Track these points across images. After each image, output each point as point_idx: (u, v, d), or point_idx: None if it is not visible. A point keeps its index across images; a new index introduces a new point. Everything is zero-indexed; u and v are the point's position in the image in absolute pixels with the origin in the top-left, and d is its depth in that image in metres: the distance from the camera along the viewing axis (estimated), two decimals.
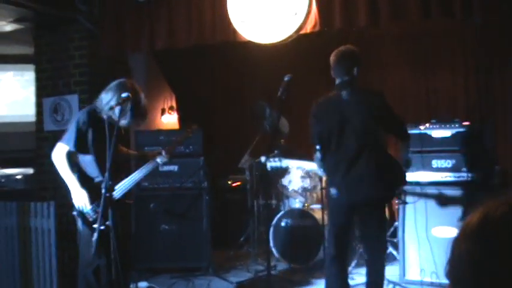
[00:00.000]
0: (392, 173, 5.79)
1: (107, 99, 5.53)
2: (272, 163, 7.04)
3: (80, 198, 5.52)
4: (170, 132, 9.01)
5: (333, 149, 5.74)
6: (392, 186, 5.91)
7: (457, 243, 1.66)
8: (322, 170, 6.00)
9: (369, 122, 5.74)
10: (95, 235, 5.09)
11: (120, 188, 5.65)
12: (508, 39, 6.49)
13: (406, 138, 6.17)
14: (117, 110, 5.29)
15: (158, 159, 5.92)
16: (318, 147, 5.77)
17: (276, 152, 8.11)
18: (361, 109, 5.75)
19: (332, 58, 5.86)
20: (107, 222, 5.17)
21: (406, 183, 6.06)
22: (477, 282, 1.53)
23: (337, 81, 5.84)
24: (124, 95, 5.37)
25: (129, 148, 6.75)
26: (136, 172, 5.80)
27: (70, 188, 5.58)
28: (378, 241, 6.00)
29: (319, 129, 5.80)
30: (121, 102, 5.32)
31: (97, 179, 5.58)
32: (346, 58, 5.83)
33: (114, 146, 5.16)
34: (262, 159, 6.61)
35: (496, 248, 1.56)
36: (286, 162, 6.66)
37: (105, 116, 5.47)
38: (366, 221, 5.97)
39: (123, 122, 5.50)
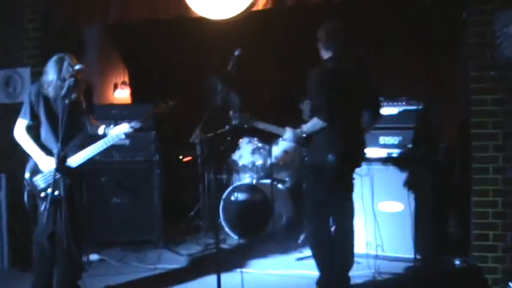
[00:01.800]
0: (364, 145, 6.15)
1: (50, 74, 5.57)
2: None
3: (48, 165, 5.55)
4: (122, 106, 9.02)
5: (335, 118, 5.83)
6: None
7: None
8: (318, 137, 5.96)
9: (362, 95, 5.98)
10: (46, 203, 5.15)
11: (78, 159, 5.68)
12: (458, 19, 6.63)
13: (379, 114, 6.34)
14: (69, 82, 5.32)
15: (122, 134, 5.90)
16: (324, 113, 5.79)
17: (227, 127, 8.17)
18: (356, 82, 5.95)
19: (326, 30, 5.99)
20: (57, 192, 5.23)
21: None
22: None
23: (329, 54, 5.96)
24: (77, 67, 5.41)
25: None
26: (98, 146, 5.82)
27: (36, 159, 5.61)
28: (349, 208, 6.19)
29: (327, 96, 5.84)
30: (75, 74, 5.35)
31: (55, 151, 5.59)
32: (341, 31, 6.00)
33: (68, 118, 5.19)
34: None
35: None
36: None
37: (51, 91, 5.51)
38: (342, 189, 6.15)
39: (74, 96, 5.50)
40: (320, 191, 5.99)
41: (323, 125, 5.80)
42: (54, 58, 5.63)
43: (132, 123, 5.92)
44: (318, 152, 5.93)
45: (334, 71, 5.90)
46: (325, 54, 6.01)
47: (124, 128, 5.88)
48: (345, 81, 5.90)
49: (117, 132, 5.86)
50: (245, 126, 6.12)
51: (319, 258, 6.07)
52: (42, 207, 5.39)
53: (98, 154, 5.86)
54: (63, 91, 5.38)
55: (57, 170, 5.18)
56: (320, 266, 6.07)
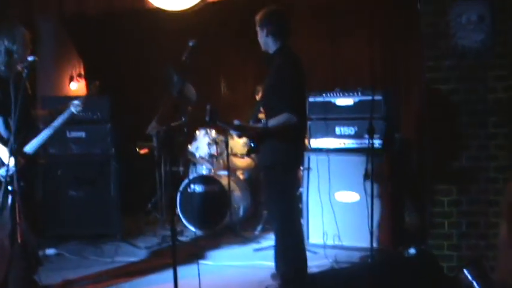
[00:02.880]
0: None
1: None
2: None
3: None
4: (78, 98, 8.94)
5: (305, 115, 5.79)
6: None
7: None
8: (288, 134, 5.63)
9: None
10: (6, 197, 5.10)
11: (33, 143, 5.61)
12: (414, 10, 6.67)
13: None
14: (24, 73, 5.25)
15: (72, 108, 5.85)
16: (298, 110, 5.56)
17: (183, 119, 8.15)
18: (303, 73, 5.79)
19: (273, 16, 5.71)
20: (9, 187, 5.16)
21: None
22: None
23: (279, 43, 5.71)
24: (30, 58, 5.33)
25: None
26: (50, 125, 5.74)
27: None
28: None
29: (302, 91, 5.75)
30: (27, 66, 5.28)
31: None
32: (286, 18, 5.80)
33: (23, 107, 5.13)
34: None
35: None
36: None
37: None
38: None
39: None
40: (293, 189, 5.94)
41: (294, 122, 5.51)
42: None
43: (72, 108, 5.90)
44: (285, 150, 5.64)
45: (298, 64, 5.73)
46: (273, 46, 5.74)
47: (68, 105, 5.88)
48: (303, 75, 5.78)
49: (64, 110, 5.85)
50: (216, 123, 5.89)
51: (295, 257, 5.82)
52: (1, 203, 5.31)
53: (52, 135, 5.77)
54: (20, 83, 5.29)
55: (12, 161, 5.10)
56: (293, 262, 5.82)
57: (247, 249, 7.65)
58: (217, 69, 10.11)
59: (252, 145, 5.79)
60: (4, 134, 5.55)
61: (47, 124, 5.82)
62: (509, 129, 6.12)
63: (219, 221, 8.24)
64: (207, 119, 5.48)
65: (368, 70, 9.30)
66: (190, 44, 5.25)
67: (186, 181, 8.49)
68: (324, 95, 7.40)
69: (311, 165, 7.30)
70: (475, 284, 4.93)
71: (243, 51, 9.57)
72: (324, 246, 7.19)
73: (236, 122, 5.65)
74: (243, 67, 10.27)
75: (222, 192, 8.24)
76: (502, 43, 6.10)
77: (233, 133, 5.98)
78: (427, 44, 6.36)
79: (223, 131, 8.34)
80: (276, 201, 5.77)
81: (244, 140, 8.30)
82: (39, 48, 8.39)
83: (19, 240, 5.21)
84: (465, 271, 5.03)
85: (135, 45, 10.20)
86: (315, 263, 6.55)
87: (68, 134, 8.12)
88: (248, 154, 7.47)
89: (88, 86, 9.86)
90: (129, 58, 10.27)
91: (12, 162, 5.07)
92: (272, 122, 5.55)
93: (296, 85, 5.61)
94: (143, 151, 9.01)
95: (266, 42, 5.75)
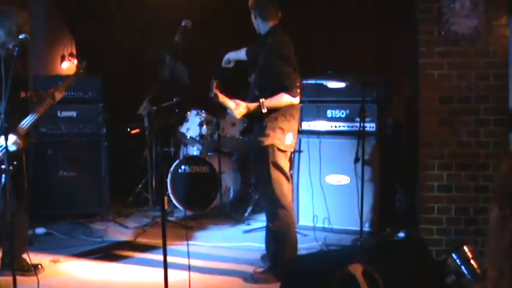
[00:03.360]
0: None
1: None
2: None
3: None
4: (69, 78, 8.90)
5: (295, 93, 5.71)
6: None
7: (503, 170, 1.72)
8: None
9: None
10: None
11: (28, 119, 5.62)
12: None
13: None
14: (15, 52, 5.21)
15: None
16: (296, 89, 5.64)
17: (175, 99, 8.14)
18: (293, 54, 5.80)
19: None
20: (3, 166, 5.15)
21: None
22: None
23: (269, 25, 5.78)
24: (21, 36, 5.30)
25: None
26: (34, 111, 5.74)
27: None
28: None
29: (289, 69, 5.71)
30: (18, 44, 5.24)
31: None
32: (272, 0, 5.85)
33: (13, 87, 5.09)
34: None
35: None
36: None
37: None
38: None
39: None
40: (285, 171, 5.85)
41: (292, 101, 5.61)
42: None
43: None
44: (278, 131, 5.67)
45: (290, 45, 5.77)
46: (264, 28, 5.82)
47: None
48: (293, 56, 5.79)
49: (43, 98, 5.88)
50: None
51: (285, 239, 5.83)
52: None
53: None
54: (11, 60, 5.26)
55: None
56: (283, 244, 5.84)
57: (237, 230, 7.68)
58: (210, 50, 10.08)
59: (247, 125, 5.81)
60: None
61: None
62: (500, 115, 6.15)
63: (209, 202, 8.24)
64: (211, 94, 5.50)
65: (360, 53, 9.27)
66: (183, 23, 5.23)
67: (176, 162, 8.49)
68: (316, 77, 7.39)
69: (302, 148, 7.31)
70: (463, 268, 4.96)
71: (236, 31, 9.54)
72: (314, 229, 7.22)
73: (236, 100, 5.70)
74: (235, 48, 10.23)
75: (212, 173, 8.24)
76: (494, 30, 6.12)
77: (230, 113, 5.95)
78: (420, 30, 6.35)
79: (214, 112, 8.32)
80: (266, 183, 5.77)
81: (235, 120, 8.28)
82: (31, 28, 8.37)
83: (8, 218, 5.21)
84: (453, 255, 5.07)
85: (128, 25, 10.15)
86: (304, 245, 6.58)
87: (58, 114, 8.09)
88: (243, 134, 7.47)
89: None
90: (121, 38, 10.22)
91: (2, 141, 5.06)
92: (268, 103, 5.57)
93: (287, 65, 5.64)
94: (134, 131, 8.99)
95: (257, 24, 5.87)
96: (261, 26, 5.83)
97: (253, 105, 5.66)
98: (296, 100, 5.67)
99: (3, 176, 5.12)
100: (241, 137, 8.04)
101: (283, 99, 5.56)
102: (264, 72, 5.73)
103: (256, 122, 5.74)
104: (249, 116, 5.75)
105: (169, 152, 9.02)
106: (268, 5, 5.80)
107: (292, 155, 7.34)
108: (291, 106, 5.64)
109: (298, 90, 5.73)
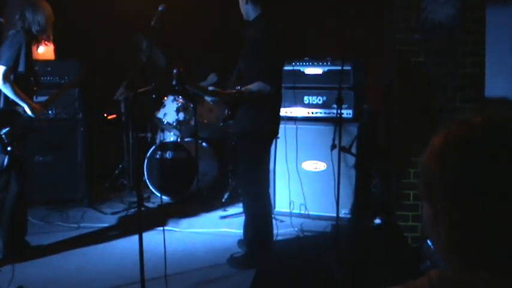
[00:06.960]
0: None
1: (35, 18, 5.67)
2: None
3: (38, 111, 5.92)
4: (46, 63, 8.82)
5: (280, 84, 5.77)
6: None
7: (425, 165, 1.70)
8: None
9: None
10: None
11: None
12: None
13: None
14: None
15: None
16: (273, 78, 5.60)
17: (153, 84, 8.11)
18: (283, 41, 5.85)
19: None
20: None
21: None
22: (452, 202, 1.55)
23: (258, 11, 5.74)
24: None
25: None
26: None
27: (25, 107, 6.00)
28: None
29: (276, 59, 5.75)
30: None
31: None
32: None
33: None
34: None
35: (459, 168, 1.58)
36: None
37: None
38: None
39: None
40: (266, 158, 5.92)
41: (268, 90, 5.53)
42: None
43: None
44: (258, 118, 5.69)
45: (276, 32, 5.76)
46: (253, 13, 5.76)
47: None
48: (283, 43, 5.82)
49: None
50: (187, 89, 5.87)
51: (262, 225, 5.86)
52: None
53: None
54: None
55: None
56: (259, 230, 5.87)
57: (214, 216, 7.69)
58: (188, 37, 10.04)
59: (229, 112, 5.81)
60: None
61: None
62: (476, 103, 6.18)
63: (186, 188, 8.24)
64: (174, 83, 5.44)
65: (337, 39, 9.27)
66: (160, 8, 5.20)
67: (153, 147, 8.48)
68: (293, 63, 7.39)
69: (279, 134, 7.31)
70: (437, 254, 5.00)
71: (216, 14, 9.52)
72: (291, 215, 7.24)
73: (210, 88, 5.65)
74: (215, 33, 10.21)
75: (189, 159, 8.23)
76: (471, 19, 6.14)
77: (208, 99, 5.93)
78: (398, 17, 6.36)
79: (192, 97, 8.29)
80: (246, 168, 5.78)
81: (212, 106, 8.26)
82: (6, 12, 8.28)
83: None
84: (428, 242, 5.10)
85: (105, 10, 10.09)
86: (281, 231, 6.57)
87: (35, 98, 8.02)
88: (225, 121, 7.44)
89: (56, 50, 9.76)
90: (98, 22, 10.16)
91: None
92: (245, 90, 5.52)
93: (271, 53, 5.62)
94: (111, 117, 8.95)
95: (246, 9, 5.77)
96: (251, 12, 5.75)
97: (232, 92, 5.60)
98: (272, 88, 5.56)
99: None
100: (221, 123, 8.02)
101: (259, 87, 5.50)
102: (245, 59, 5.73)
103: (238, 108, 5.71)
104: (230, 102, 5.74)
105: (146, 138, 8.99)
106: None
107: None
108: (268, 94, 5.58)
109: (277, 78, 5.73)
